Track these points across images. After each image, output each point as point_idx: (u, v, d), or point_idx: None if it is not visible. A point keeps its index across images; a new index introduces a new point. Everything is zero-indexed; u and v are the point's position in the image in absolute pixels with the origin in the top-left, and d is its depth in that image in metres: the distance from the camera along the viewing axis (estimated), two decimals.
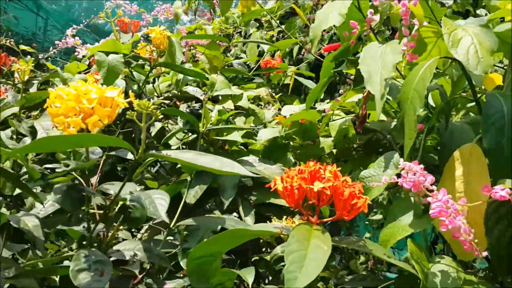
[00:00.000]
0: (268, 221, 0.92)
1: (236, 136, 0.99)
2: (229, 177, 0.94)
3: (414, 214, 0.69)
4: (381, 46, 0.78)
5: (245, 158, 1.00)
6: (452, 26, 0.65)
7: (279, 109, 1.20)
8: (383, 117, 1.00)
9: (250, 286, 0.70)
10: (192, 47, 1.45)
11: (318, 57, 1.83)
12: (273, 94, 1.31)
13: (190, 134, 1.05)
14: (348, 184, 0.59)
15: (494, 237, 0.65)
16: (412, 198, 0.71)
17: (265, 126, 1.15)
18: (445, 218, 0.59)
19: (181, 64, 1.21)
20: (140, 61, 1.21)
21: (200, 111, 0.99)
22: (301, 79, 1.68)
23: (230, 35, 1.70)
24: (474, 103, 0.74)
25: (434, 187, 0.60)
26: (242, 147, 1.11)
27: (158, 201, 0.67)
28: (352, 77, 1.08)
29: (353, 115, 0.99)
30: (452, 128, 0.76)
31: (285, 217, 0.71)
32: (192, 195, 0.91)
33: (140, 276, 0.71)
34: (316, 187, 0.57)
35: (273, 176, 0.98)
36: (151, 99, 1.22)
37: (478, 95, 0.72)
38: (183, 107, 1.05)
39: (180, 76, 1.24)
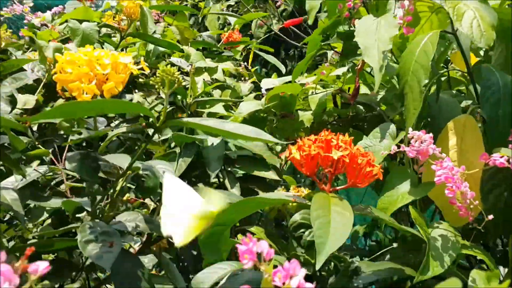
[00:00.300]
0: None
1: (220, 109, 0.98)
2: (215, 150, 0.94)
3: (411, 182, 0.72)
4: (375, 19, 0.79)
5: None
6: (454, 1, 0.68)
7: (253, 83, 1.20)
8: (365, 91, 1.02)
9: None
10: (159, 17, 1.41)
11: (279, 33, 1.84)
12: (249, 68, 1.31)
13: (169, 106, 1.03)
14: (362, 153, 0.61)
15: (490, 203, 0.69)
16: (408, 169, 0.74)
17: (242, 99, 1.15)
18: (452, 184, 0.62)
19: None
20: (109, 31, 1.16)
21: (184, 83, 0.97)
22: (263, 54, 1.68)
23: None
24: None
25: (444, 155, 0.63)
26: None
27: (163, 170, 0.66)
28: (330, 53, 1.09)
29: (333, 89, 1.01)
30: (440, 101, 0.80)
31: (292, 186, 0.72)
32: (176, 169, 0.90)
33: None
34: (336, 155, 0.58)
35: (256, 149, 0.99)
36: None
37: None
38: None
39: (151, 47, 1.21)
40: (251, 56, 1.72)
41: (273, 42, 1.97)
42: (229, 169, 0.96)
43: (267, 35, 1.92)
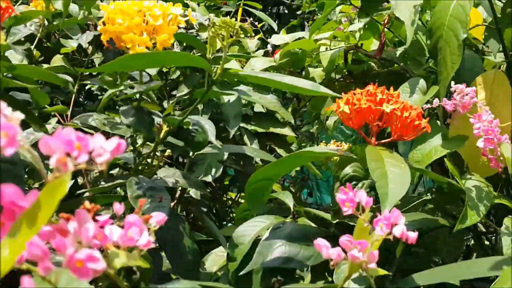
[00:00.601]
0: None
1: (235, 64, 0.97)
2: (232, 107, 0.93)
3: (442, 136, 0.74)
4: None
5: (239, 87, 0.98)
6: None
7: (260, 39, 1.18)
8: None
9: (291, 208, 0.72)
10: None
11: None
12: (256, 24, 1.28)
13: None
14: (411, 106, 0.61)
15: None
16: (438, 122, 0.76)
17: (249, 56, 1.13)
18: (493, 137, 0.64)
19: None
20: None
21: (198, 37, 0.95)
22: (254, 11, 1.66)
23: None
24: None
25: (487, 108, 0.64)
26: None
27: (206, 127, 0.65)
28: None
29: (346, 45, 1.01)
30: (464, 57, 0.81)
31: (333, 141, 0.72)
32: None
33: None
34: (388, 108, 0.59)
35: (270, 105, 0.99)
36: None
37: None
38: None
39: None
40: (239, 12, 1.68)
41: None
42: (246, 126, 0.96)
43: None
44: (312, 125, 1.60)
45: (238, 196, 1.39)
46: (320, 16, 0.93)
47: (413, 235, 0.39)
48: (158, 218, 0.35)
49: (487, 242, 0.89)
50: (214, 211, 1.28)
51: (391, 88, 0.63)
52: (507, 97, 0.73)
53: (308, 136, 1.55)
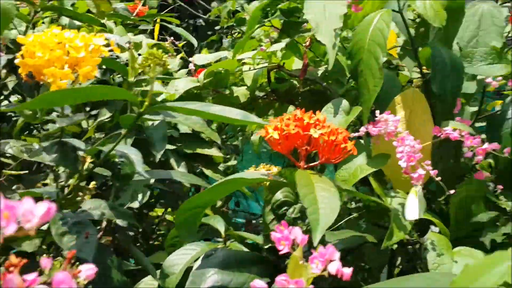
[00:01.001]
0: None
1: (158, 87, 0.94)
2: (157, 129, 0.91)
3: (366, 155, 0.76)
4: None
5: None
6: None
7: (182, 58, 1.17)
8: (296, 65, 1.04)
9: (223, 233, 0.71)
10: None
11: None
12: (176, 43, 1.26)
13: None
14: (338, 130, 0.63)
15: (439, 170, 0.75)
16: (362, 141, 0.78)
17: (171, 75, 1.12)
18: (414, 162, 0.67)
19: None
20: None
21: (118, 59, 0.92)
22: (173, 27, 1.64)
23: None
24: None
25: (411, 137, 0.67)
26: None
27: (133, 157, 0.63)
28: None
29: (269, 64, 1.02)
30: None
31: (262, 164, 0.72)
32: None
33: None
34: (316, 133, 0.60)
35: (196, 126, 0.98)
36: None
37: None
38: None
39: (65, 20, 1.12)
40: (156, 28, 1.66)
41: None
42: (173, 147, 0.94)
43: (172, 7, 1.87)
44: (237, 138, 1.60)
45: (165, 213, 1.36)
46: (243, 38, 0.93)
47: (347, 272, 0.39)
48: (87, 272, 0.33)
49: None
50: (141, 230, 1.24)
51: (318, 112, 0.64)
52: (425, 116, 0.76)
53: (233, 149, 1.56)
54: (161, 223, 1.40)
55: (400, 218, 0.70)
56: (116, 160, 0.58)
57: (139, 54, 1.10)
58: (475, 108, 0.89)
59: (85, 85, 0.52)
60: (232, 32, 1.94)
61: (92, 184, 0.62)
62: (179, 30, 1.64)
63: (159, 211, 1.37)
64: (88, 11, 1.22)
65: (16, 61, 0.53)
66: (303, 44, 0.88)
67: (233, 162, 1.37)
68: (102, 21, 1.15)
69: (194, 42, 1.63)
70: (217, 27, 1.90)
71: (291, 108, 1.15)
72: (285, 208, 0.61)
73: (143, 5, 1.55)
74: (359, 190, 0.86)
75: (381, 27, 0.72)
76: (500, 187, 0.76)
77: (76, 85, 0.53)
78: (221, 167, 1.11)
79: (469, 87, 0.80)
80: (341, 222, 0.75)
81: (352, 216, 0.73)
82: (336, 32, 0.76)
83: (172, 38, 1.25)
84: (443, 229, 0.72)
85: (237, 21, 1.81)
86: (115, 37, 0.92)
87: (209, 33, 2.55)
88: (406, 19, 0.80)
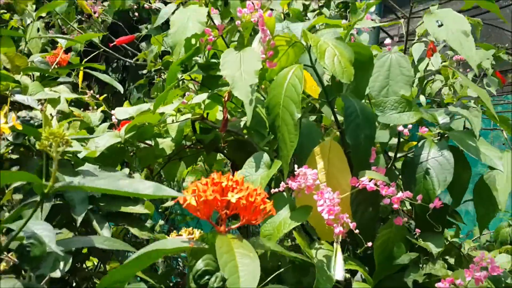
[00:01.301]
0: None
1: (77, 146, 0.92)
2: (77, 191, 0.88)
3: (290, 207, 0.76)
4: (238, 52, 0.82)
5: (84, 168, 0.94)
6: (315, 39, 0.73)
7: (103, 111, 1.14)
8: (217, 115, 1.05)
9: None
10: None
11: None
12: (97, 96, 1.23)
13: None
14: (256, 191, 0.63)
15: (357, 217, 0.77)
16: (284, 194, 0.79)
17: (92, 130, 1.09)
18: (333, 214, 0.68)
19: None
20: None
21: (32, 121, 0.89)
22: (97, 73, 1.61)
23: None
24: None
25: (329, 189, 0.68)
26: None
27: (44, 234, 0.60)
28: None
29: (192, 116, 1.02)
30: (301, 125, 0.86)
31: (184, 228, 0.71)
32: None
33: None
34: (233, 198, 0.60)
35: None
36: None
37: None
38: (10, 119, 0.91)
39: None
40: (80, 76, 1.62)
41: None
42: (94, 208, 0.91)
43: (95, 53, 1.83)
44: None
45: (100, 265, 1.31)
46: (163, 92, 0.93)
47: None
48: None
49: None
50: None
51: (236, 173, 0.64)
52: (343, 165, 0.78)
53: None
54: (97, 273, 1.34)
55: (325, 271, 0.70)
56: (24, 242, 0.55)
57: (58, 112, 1.08)
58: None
59: None
60: (161, 74, 1.93)
61: (3, 266, 0.59)
62: (104, 77, 1.61)
63: (95, 260, 1.32)
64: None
65: None
66: (223, 98, 0.88)
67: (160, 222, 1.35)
68: (17, 77, 1.12)
69: (120, 88, 1.59)
70: (144, 71, 1.88)
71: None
72: (207, 277, 0.60)
73: (66, 52, 1.52)
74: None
75: (294, 83, 0.73)
76: (418, 230, 0.78)
77: None
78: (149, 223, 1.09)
79: (383, 135, 0.83)
80: (269, 278, 0.74)
81: (280, 271, 0.73)
82: (252, 88, 0.77)
83: (91, 91, 1.22)
84: (367, 277, 0.73)
85: (164, 64, 1.81)
86: (25, 98, 0.89)
87: (140, 72, 2.54)
88: (320, 72, 0.82)
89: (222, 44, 0.91)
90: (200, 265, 0.60)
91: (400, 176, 0.86)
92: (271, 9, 0.86)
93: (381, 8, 2.39)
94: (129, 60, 2.02)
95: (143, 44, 2.49)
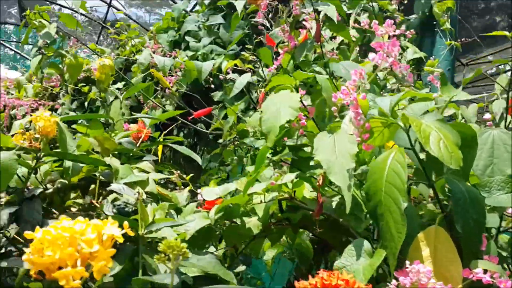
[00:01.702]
0: None
1: (169, 232, 0.92)
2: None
3: None
4: (330, 136, 0.80)
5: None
6: (418, 122, 0.70)
7: (191, 191, 1.15)
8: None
9: None
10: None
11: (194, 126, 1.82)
12: (184, 176, 1.25)
13: None
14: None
15: None
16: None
17: (180, 211, 1.09)
18: None
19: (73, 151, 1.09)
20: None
21: (126, 209, 0.90)
22: (176, 146, 1.64)
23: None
24: None
25: (441, 283, 0.63)
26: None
27: None
28: None
29: (279, 195, 1.00)
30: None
31: None
32: None
33: None
34: None
35: (209, 266, 0.95)
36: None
37: None
38: (107, 207, 0.94)
39: (69, 163, 1.11)
40: (159, 149, 1.65)
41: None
42: None
43: (174, 125, 1.89)
44: None
45: None
46: (252, 176, 0.92)
47: None
48: None
49: None
50: None
51: (344, 272, 0.61)
52: (451, 254, 0.73)
53: None
54: None
55: None
56: None
57: (146, 193, 1.09)
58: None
59: None
60: (235, 142, 1.95)
61: None
62: (182, 149, 1.65)
63: None
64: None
65: (23, 258, 0.50)
66: (316, 183, 0.86)
67: None
68: (107, 159, 1.15)
69: (199, 161, 1.62)
70: (220, 140, 1.91)
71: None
72: None
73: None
74: None
75: (397, 169, 0.70)
76: None
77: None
78: None
79: (492, 220, 0.77)
80: None
81: None
82: (350, 172, 0.75)
83: (178, 172, 1.24)
84: None
85: (239, 133, 1.83)
86: (121, 188, 0.90)
87: (210, 136, 2.58)
88: (418, 151, 0.79)
89: (312, 125, 0.90)
90: None
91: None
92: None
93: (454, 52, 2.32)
94: (205, 130, 2.06)
95: (216, 111, 2.55)
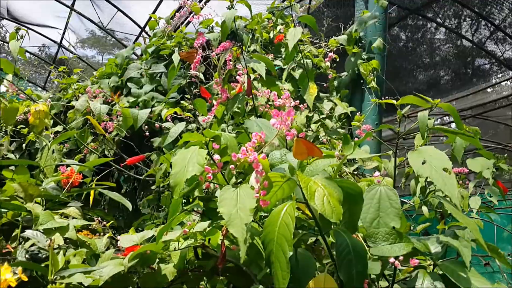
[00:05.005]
0: None
1: (81, 278, 0.95)
2: None
3: None
4: (235, 190, 0.87)
5: None
6: (306, 179, 0.79)
7: (111, 237, 1.18)
8: None
9: None
10: None
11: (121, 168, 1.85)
12: (105, 223, 1.28)
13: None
14: None
15: None
16: None
17: (98, 256, 1.12)
18: None
19: None
20: None
21: (40, 255, 0.93)
22: (107, 192, 1.67)
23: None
24: None
25: None
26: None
27: None
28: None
29: (194, 243, 1.06)
30: (298, 256, 0.89)
31: None
32: None
33: None
34: None
35: None
36: None
37: None
38: (20, 252, 0.96)
39: None
40: (91, 195, 1.68)
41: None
42: None
43: (107, 171, 1.91)
44: None
45: None
46: (165, 224, 0.97)
47: None
48: None
49: None
50: None
51: None
52: None
53: None
54: None
55: None
56: None
57: (65, 238, 1.12)
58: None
59: None
60: (169, 188, 1.99)
61: None
62: (114, 195, 1.67)
63: None
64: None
65: None
66: (221, 234, 0.92)
67: None
68: (29, 205, 1.17)
69: (129, 206, 1.65)
70: (153, 187, 1.95)
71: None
72: None
73: (79, 173, 1.59)
74: None
75: (287, 221, 0.78)
76: None
77: None
78: None
79: (375, 267, 0.85)
80: None
81: None
82: (247, 226, 0.82)
83: (99, 218, 1.27)
84: None
85: None
86: (35, 234, 0.93)
87: (150, 181, 2.61)
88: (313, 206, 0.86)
89: (221, 179, 0.97)
90: None
91: None
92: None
93: (381, 109, 2.46)
94: (139, 177, 2.09)
95: (154, 156, 2.59)
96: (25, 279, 0.61)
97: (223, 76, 1.75)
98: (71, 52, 8.33)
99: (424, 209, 1.85)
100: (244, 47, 2.64)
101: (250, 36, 2.64)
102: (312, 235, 1.02)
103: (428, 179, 1.81)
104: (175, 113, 2.31)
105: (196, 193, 1.02)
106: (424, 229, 1.77)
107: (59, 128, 2.67)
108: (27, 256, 0.93)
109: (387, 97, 2.43)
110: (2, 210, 1.14)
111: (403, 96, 0.96)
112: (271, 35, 2.64)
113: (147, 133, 2.33)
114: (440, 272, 0.85)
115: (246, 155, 0.81)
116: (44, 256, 0.94)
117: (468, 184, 1.89)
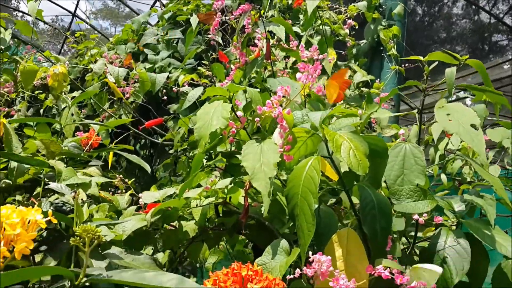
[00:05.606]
0: None
1: (105, 231, 0.96)
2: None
3: None
4: (258, 144, 0.87)
5: (110, 250, 0.97)
6: (331, 133, 0.78)
7: (131, 195, 1.19)
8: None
9: None
10: None
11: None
12: (126, 180, 1.29)
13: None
14: (270, 280, 0.65)
15: None
16: (303, 281, 0.80)
17: (120, 213, 1.14)
18: None
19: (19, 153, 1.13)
20: None
21: (64, 207, 0.94)
22: (126, 154, 1.68)
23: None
24: None
25: (343, 276, 0.70)
26: None
27: None
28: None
29: (215, 200, 1.06)
30: (321, 213, 0.89)
31: None
32: None
33: None
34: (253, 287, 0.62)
35: (145, 266, 0.99)
36: None
37: None
38: (44, 204, 0.97)
39: (14, 164, 1.14)
40: (110, 156, 1.69)
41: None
42: None
43: (124, 136, 1.92)
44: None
45: None
46: (188, 179, 0.97)
47: None
48: None
49: None
50: None
51: (255, 264, 0.67)
52: (361, 254, 0.80)
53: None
54: None
55: None
56: None
57: (88, 195, 1.13)
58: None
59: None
60: (188, 153, 2.00)
61: None
62: (132, 157, 1.68)
63: None
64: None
65: None
66: (244, 187, 0.92)
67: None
68: (52, 162, 1.18)
69: (148, 169, 1.66)
70: (171, 151, 1.96)
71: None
72: None
73: (97, 135, 1.60)
74: None
75: (312, 175, 0.77)
76: None
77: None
78: None
79: (399, 224, 0.85)
80: None
81: None
82: (271, 180, 0.81)
83: (120, 176, 1.28)
84: None
85: (190, 144, 1.88)
86: (60, 186, 0.94)
87: (167, 148, 2.62)
88: (337, 162, 0.86)
89: (244, 135, 0.96)
90: None
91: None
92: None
93: (400, 78, 2.44)
94: (156, 141, 2.10)
95: (171, 123, 2.60)
96: (55, 221, 0.61)
97: (242, 39, 1.72)
98: (86, 22, 8.32)
99: (443, 177, 1.84)
100: (262, 11, 2.60)
101: (269, 1, 2.60)
102: (332, 197, 1.02)
103: (448, 147, 1.79)
104: (192, 79, 2.31)
105: (218, 149, 1.02)
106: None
107: (76, 93, 2.67)
108: (51, 208, 0.94)
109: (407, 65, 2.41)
110: (25, 166, 1.15)
111: (429, 53, 0.95)
112: (290, 1, 2.61)
113: (164, 98, 2.33)
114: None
115: (272, 108, 0.80)
116: (68, 209, 0.95)
117: (488, 152, 1.87)
